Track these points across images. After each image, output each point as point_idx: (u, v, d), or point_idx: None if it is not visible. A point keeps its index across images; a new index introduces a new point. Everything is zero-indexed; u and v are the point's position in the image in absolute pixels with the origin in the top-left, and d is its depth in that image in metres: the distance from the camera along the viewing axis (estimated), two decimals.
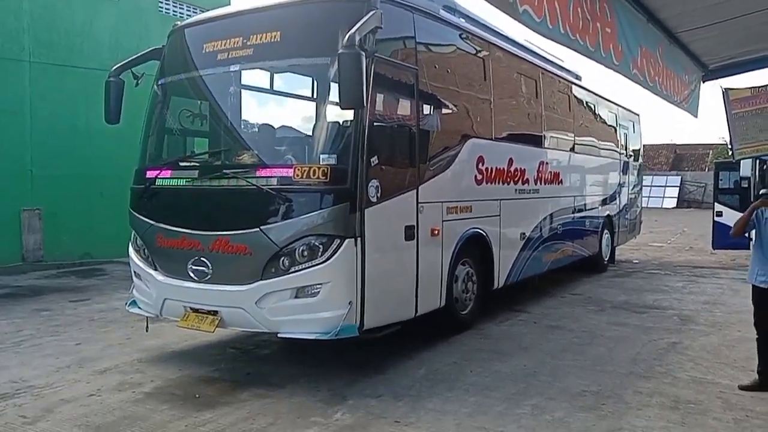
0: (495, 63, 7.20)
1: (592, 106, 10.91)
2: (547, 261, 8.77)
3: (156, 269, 5.48)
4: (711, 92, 9.13)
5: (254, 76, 5.54)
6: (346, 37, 4.47)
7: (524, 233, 7.92)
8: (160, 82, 5.92)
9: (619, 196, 12.14)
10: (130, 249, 5.81)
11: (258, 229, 4.83)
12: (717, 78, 8.66)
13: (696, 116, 8.13)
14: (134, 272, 5.78)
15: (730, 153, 9.26)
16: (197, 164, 5.51)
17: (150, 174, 5.59)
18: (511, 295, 8.13)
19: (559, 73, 9.40)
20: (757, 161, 12.49)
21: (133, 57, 6.05)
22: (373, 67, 4.90)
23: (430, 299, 5.87)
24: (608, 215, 11.48)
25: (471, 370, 5.33)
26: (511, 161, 7.46)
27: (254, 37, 5.25)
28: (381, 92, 5.16)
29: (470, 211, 6.53)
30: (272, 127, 5.57)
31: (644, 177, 16.53)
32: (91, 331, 6.90)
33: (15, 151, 11.73)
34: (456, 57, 6.56)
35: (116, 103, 5.88)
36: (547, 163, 8.59)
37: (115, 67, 5.94)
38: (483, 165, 6.81)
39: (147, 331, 5.98)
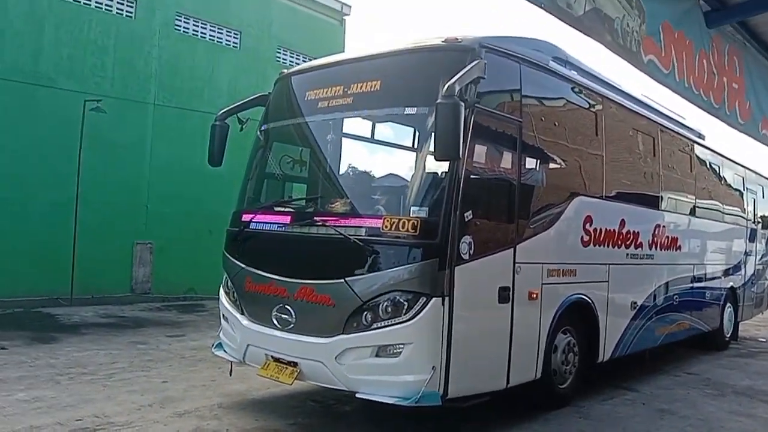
0: (608, 118, 6.74)
1: (716, 168, 10.04)
2: (660, 334, 7.96)
3: (243, 313, 5.41)
4: None
5: (353, 125, 5.44)
6: (446, 86, 4.28)
7: (635, 302, 7.24)
8: (262, 128, 5.98)
9: (744, 266, 11.00)
10: (221, 291, 5.79)
11: (343, 280, 4.64)
12: None
13: None
14: (222, 315, 5.75)
15: None
16: (290, 210, 5.45)
17: (245, 217, 5.59)
18: (617, 370, 7.42)
19: (679, 130, 8.72)
20: None
21: (240, 102, 6.17)
22: (473, 118, 4.67)
23: (525, 370, 5.39)
24: (731, 287, 10.39)
25: None
26: (623, 223, 6.88)
27: (355, 86, 5.18)
28: (480, 144, 4.89)
29: (574, 275, 6.03)
30: (366, 176, 5.44)
31: None
32: (180, 369, 6.96)
33: (133, 186, 12.48)
34: (565, 110, 6.19)
35: (220, 146, 5.98)
36: (663, 227, 7.89)
37: (221, 112, 6.07)
38: (591, 225, 6.30)
39: (231, 375, 5.91)
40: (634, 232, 7.08)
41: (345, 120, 5.33)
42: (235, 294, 5.52)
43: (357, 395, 4.61)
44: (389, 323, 4.47)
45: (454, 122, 4.22)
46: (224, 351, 5.70)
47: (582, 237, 6.19)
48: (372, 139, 5.69)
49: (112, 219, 12.03)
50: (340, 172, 5.61)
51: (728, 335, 10.49)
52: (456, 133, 4.23)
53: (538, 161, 5.68)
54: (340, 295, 4.65)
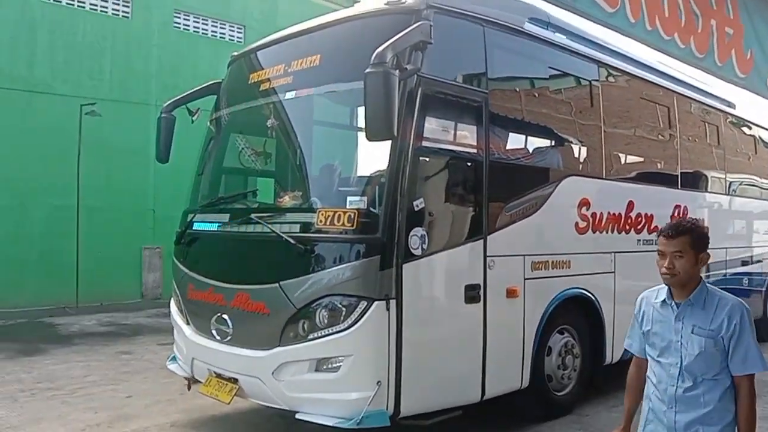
0: (607, 86, 5.93)
1: (753, 139, 8.99)
2: None
3: (188, 323, 4.91)
4: None
5: (296, 108, 4.76)
6: (375, 54, 3.64)
7: None
8: (212, 118, 5.48)
9: None
10: (172, 300, 5.31)
11: (277, 284, 4.07)
12: None
13: None
14: (173, 325, 5.27)
15: None
16: (229, 207, 4.91)
17: (189, 217, 5.11)
18: None
19: (703, 99, 7.73)
20: None
21: (189, 92, 5.70)
22: (420, 90, 4.02)
23: (506, 378, 4.72)
24: None
25: None
26: (631, 205, 6.06)
27: (296, 63, 4.60)
28: (432, 120, 4.23)
29: (568, 266, 5.28)
30: (308, 164, 4.80)
31: None
32: (153, 382, 6.51)
33: (139, 191, 12.20)
34: (550, 79, 5.43)
35: (166, 140, 5.57)
36: (685, 208, 6.99)
37: (167, 103, 5.61)
38: (588, 209, 5.53)
39: (189, 389, 5.39)
40: (646, 215, 6.22)
41: (287, 103, 4.70)
42: (181, 302, 5.02)
43: (296, 416, 4.02)
44: (326, 333, 3.88)
45: (385, 95, 3.58)
46: (177, 364, 5.21)
47: (577, 223, 5.43)
48: (315, 122, 5.08)
49: (117, 224, 11.76)
50: (284, 162, 5.03)
51: None
52: (388, 108, 3.58)
53: (514, 138, 4.98)
54: (275, 302, 4.08)
